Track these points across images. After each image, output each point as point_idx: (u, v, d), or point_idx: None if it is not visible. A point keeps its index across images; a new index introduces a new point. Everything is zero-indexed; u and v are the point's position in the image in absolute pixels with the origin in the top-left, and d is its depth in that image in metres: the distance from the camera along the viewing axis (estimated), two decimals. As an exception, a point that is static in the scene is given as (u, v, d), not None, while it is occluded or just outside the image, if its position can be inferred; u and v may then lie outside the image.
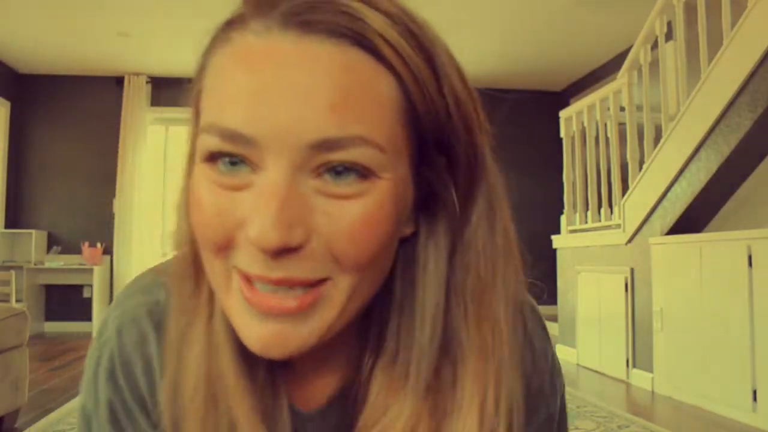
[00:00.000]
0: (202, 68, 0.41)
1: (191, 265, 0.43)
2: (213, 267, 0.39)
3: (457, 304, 0.42)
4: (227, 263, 0.38)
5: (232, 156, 0.36)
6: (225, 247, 0.37)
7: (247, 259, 0.37)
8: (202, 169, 0.38)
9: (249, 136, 0.35)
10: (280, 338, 0.37)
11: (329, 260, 0.36)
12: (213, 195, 0.37)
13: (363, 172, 0.36)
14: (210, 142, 0.37)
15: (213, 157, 0.37)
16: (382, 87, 0.36)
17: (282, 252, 0.35)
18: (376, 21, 0.36)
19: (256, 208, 0.35)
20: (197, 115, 0.40)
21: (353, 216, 0.36)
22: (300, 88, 0.34)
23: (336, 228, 0.36)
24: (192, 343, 0.43)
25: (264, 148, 0.35)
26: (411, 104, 0.38)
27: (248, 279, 0.37)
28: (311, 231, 0.36)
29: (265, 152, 0.35)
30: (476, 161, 0.44)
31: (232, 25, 0.40)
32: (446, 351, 0.41)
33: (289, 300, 0.37)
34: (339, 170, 0.36)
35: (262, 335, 0.37)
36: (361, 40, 0.35)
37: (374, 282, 0.40)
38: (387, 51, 0.36)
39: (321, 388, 0.43)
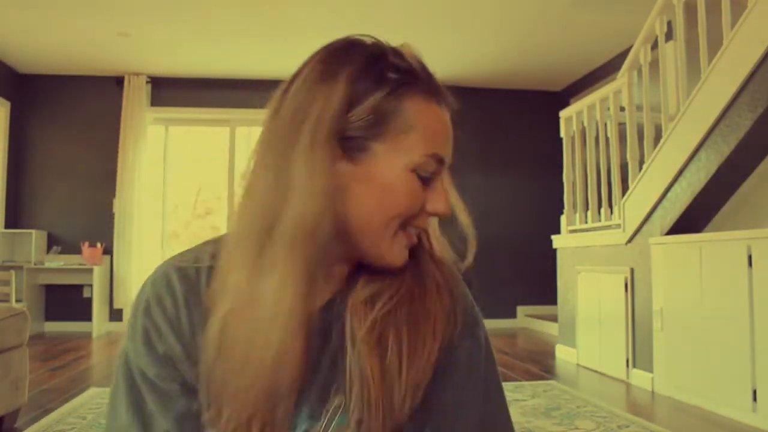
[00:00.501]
0: (396, 97, 0.62)
1: (262, 235, 0.59)
2: (388, 229, 0.62)
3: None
4: (399, 225, 0.63)
5: (434, 172, 0.64)
6: (411, 217, 0.63)
7: (421, 222, 0.65)
8: (408, 175, 0.62)
9: (444, 158, 0.65)
10: (405, 258, 0.65)
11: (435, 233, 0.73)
12: (415, 189, 0.62)
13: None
14: (430, 164, 0.63)
15: (423, 174, 0.63)
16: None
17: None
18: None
19: (438, 196, 0.64)
20: (384, 126, 0.62)
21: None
22: (449, 138, 0.67)
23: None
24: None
25: (443, 168, 0.65)
26: None
27: (409, 231, 0.64)
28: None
29: (442, 170, 0.65)
30: None
31: (424, 84, 0.65)
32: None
33: (415, 238, 0.66)
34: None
35: (401, 256, 0.64)
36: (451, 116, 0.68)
37: None
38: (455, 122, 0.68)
39: (320, 295, 0.59)
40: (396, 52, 0.64)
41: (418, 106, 0.62)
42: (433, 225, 0.71)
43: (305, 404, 0.62)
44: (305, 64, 0.64)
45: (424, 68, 0.65)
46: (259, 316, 0.57)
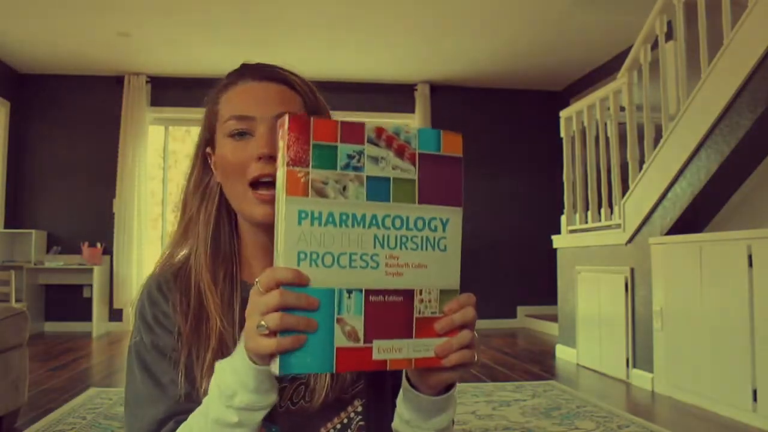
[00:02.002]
0: (215, 101, 0.83)
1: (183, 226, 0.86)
2: (238, 190, 0.77)
3: None
4: (246, 185, 0.76)
5: (241, 131, 0.78)
6: (243, 173, 0.76)
7: (252, 172, 0.76)
8: (224, 141, 0.79)
9: (250, 116, 0.77)
10: (268, 213, 0.74)
11: None
12: (233, 147, 0.78)
13: None
14: (234, 124, 0.78)
15: (232, 134, 0.78)
16: (294, 96, 0.81)
17: (268, 158, 0.74)
18: (290, 75, 0.82)
19: (256, 142, 0.76)
20: (210, 126, 0.83)
21: None
22: (266, 98, 0.79)
23: None
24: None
25: (257, 121, 0.77)
26: (305, 105, 0.81)
27: (254, 184, 0.76)
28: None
29: (257, 123, 0.77)
30: None
31: (232, 79, 0.82)
32: None
33: (272, 192, 0.74)
34: None
35: (264, 213, 0.75)
36: (285, 81, 0.81)
37: None
38: (295, 85, 0.81)
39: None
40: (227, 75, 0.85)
41: (225, 94, 0.81)
42: None
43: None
44: None
45: (239, 69, 0.84)
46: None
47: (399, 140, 0.61)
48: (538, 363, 4.18)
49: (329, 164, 0.59)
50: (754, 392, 2.61)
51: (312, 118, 0.59)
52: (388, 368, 0.60)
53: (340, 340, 0.57)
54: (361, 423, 0.79)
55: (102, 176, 5.89)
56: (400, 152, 0.61)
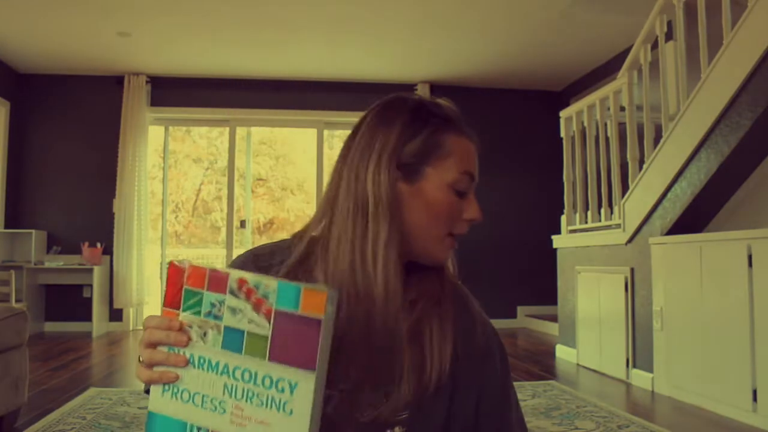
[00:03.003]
0: (441, 133, 0.83)
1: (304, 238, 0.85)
2: (437, 234, 0.82)
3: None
4: (446, 232, 0.82)
5: (465, 190, 0.83)
6: (452, 224, 0.82)
7: (459, 228, 0.83)
8: (448, 189, 0.81)
9: (474, 179, 0.85)
10: (449, 258, 0.86)
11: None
12: (453, 200, 0.82)
13: None
14: (464, 180, 0.83)
15: (458, 189, 0.82)
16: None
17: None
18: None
19: (473, 207, 0.84)
20: (425, 152, 0.81)
21: None
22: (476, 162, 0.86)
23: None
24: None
25: (473, 185, 0.85)
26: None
27: (453, 236, 0.83)
28: None
29: (473, 186, 0.85)
30: None
31: (458, 125, 0.85)
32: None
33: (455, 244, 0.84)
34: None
35: (447, 257, 0.85)
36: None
37: None
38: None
39: None
40: (434, 103, 0.85)
41: (452, 139, 0.82)
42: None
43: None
44: (367, 114, 0.86)
45: (455, 112, 0.85)
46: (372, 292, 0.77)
47: (257, 294, 0.62)
48: (538, 363, 4.18)
49: (195, 310, 0.64)
50: (754, 392, 2.61)
51: (188, 265, 0.65)
52: None
53: None
54: None
55: (102, 176, 5.89)
56: (257, 306, 0.62)
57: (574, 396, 3.19)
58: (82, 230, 5.83)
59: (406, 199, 0.80)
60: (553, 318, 5.03)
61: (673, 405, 3.05)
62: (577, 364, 4.10)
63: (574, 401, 3.07)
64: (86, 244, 5.70)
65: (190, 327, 0.64)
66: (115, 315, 5.86)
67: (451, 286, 0.87)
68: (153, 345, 0.66)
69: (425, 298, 0.84)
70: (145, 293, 5.91)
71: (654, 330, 3.34)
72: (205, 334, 0.64)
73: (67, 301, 5.81)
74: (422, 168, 0.80)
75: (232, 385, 0.62)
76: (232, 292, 0.63)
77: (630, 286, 3.59)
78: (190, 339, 0.64)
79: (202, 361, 0.63)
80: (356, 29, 5.00)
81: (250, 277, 0.63)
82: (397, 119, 0.82)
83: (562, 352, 4.39)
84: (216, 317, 0.63)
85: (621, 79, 3.74)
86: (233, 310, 0.63)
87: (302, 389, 0.61)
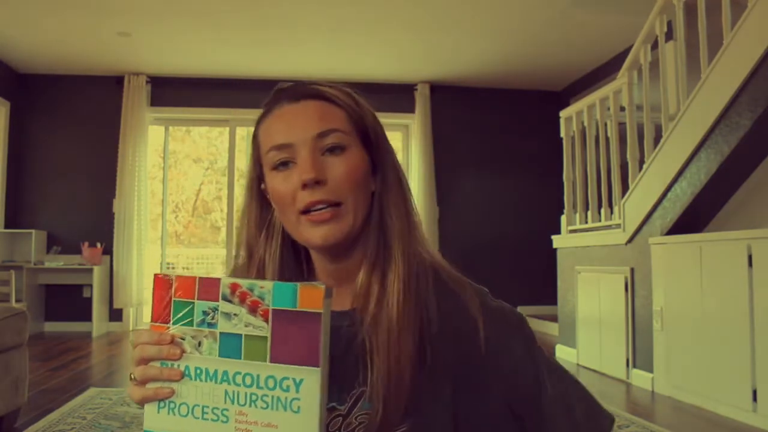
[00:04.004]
0: (255, 134, 0.80)
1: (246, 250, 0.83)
2: (292, 219, 0.76)
3: (392, 224, 0.78)
4: (297, 213, 0.74)
5: (283, 161, 0.75)
6: (294, 202, 0.74)
7: (300, 202, 0.74)
8: (271, 174, 0.77)
9: (289, 143, 0.75)
10: (326, 234, 0.74)
11: (338, 192, 0.74)
12: (280, 179, 0.75)
13: (340, 146, 0.75)
14: (275, 155, 0.75)
15: (276, 166, 0.76)
16: (335, 110, 0.77)
17: (315, 184, 0.72)
18: (326, 89, 0.78)
19: (298, 169, 0.74)
20: (258, 160, 0.79)
21: (343, 166, 0.74)
22: (304, 119, 0.76)
23: (338, 173, 0.74)
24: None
25: (296, 146, 0.74)
26: (349, 116, 0.78)
27: (304, 211, 0.74)
28: (325, 175, 0.73)
29: (297, 148, 0.74)
30: (384, 145, 0.81)
31: (268, 106, 0.79)
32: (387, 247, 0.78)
33: (325, 214, 0.73)
34: (331, 148, 0.75)
35: (321, 234, 0.74)
36: (321, 96, 0.77)
37: (363, 205, 0.77)
38: (333, 98, 0.78)
39: (343, 299, 0.75)
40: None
41: (262, 124, 0.80)
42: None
43: (333, 391, 0.71)
44: None
45: (276, 92, 0.81)
46: None
47: (252, 296, 0.61)
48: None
49: (187, 320, 0.63)
50: (754, 392, 2.61)
51: (175, 277, 0.63)
52: None
53: None
54: None
55: (102, 176, 5.89)
56: (253, 309, 0.61)
57: (574, 396, 3.18)
58: (82, 230, 5.83)
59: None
60: (553, 318, 5.03)
61: (673, 405, 3.05)
62: (577, 364, 4.10)
63: (574, 401, 3.07)
64: (86, 244, 5.70)
65: (183, 339, 0.63)
66: (115, 315, 5.86)
67: (407, 268, 0.76)
68: (145, 361, 0.63)
69: (359, 294, 0.77)
70: (144, 293, 5.91)
71: (654, 330, 3.34)
72: (199, 344, 0.62)
73: (67, 301, 5.80)
74: (262, 172, 0.80)
75: (233, 392, 0.61)
76: (225, 298, 0.62)
77: (630, 286, 3.59)
78: (183, 351, 0.62)
79: (198, 371, 0.62)
80: (356, 29, 5.00)
81: (242, 281, 0.62)
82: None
83: (562, 352, 4.39)
84: (210, 325, 0.62)
85: (621, 79, 3.74)
86: (228, 316, 0.61)
87: (308, 385, 0.60)
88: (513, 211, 6.40)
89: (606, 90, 3.91)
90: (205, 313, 0.62)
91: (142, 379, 0.63)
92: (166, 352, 0.62)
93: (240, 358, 0.61)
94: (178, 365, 0.63)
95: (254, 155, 0.81)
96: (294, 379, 0.60)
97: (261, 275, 0.80)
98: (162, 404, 0.63)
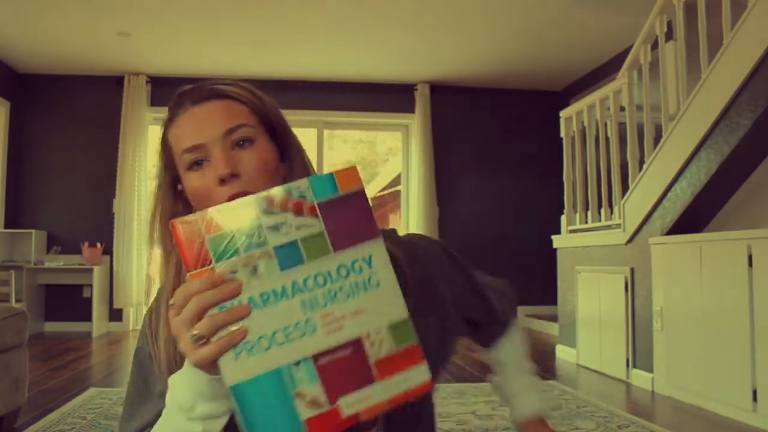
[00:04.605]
0: (165, 139, 0.83)
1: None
2: None
3: None
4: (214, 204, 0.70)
5: (197, 161, 0.78)
6: (211, 198, 0.76)
7: (218, 197, 0.76)
8: (186, 175, 0.80)
9: (200, 144, 0.78)
10: None
11: (253, 182, 0.77)
12: (196, 178, 0.78)
13: (249, 139, 0.79)
14: (187, 157, 0.78)
15: (190, 167, 0.79)
16: (238, 107, 0.80)
17: (230, 177, 0.75)
18: (227, 87, 0.81)
19: (213, 166, 0.77)
20: (171, 164, 0.82)
21: (254, 158, 0.78)
22: (210, 118, 0.79)
23: (250, 165, 0.77)
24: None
25: (208, 146, 0.78)
26: (253, 111, 0.81)
27: None
28: (239, 168, 0.77)
29: (209, 148, 0.78)
30: (287, 132, 0.85)
31: (173, 111, 0.83)
32: None
33: None
34: (240, 143, 0.78)
35: None
36: (224, 95, 0.80)
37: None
38: (235, 95, 0.81)
39: None
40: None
41: (171, 129, 0.82)
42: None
43: None
44: None
45: (178, 95, 0.85)
46: None
47: (293, 198, 0.60)
48: (538, 363, 4.17)
49: (231, 252, 0.58)
50: (754, 392, 2.61)
51: (199, 215, 0.58)
52: (361, 419, 0.59)
53: (306, 412, 0.57)
54: None
55: (102, 176, 5.89)
56: (298, 210, 0.60)
57: (574, 396, 3.19)
58: (82, 230, 5.83)
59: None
60: (553, 318, 5.03)
61: (673, 405, 3.05)
62: (577, 364, 4.10)
63: (574, 401, 3.07)
64: (86, 244, 5.70)
65: (234, 272, 0.57)
66: (115, 315, 5.86)
67: None
68: (203, 312, 0.57)
69: None
70: (145, 293, 5.91)
71: (654, 330, 3.34)
72: (255, 268, 0.58)
73: (67, 301, 5.81)
74: (177, 173, 0.82)
75: (310, 298, 0.59)
76: (265, 212, 0.59)
77: (630, 286, 3.59)
78: (240, 283, 0.57)
79: (265, 297, 0.58)
80: (356, 29, 5.00)
81: (275, 190, 0.60)
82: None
83: (562, 352, 4.39)
84: (259, 245, 0.58)
85: (621, 79, 3.74)
86: (275, 228, 0.59)
87: (377, 257, 0.61)
88: (513, 211, 6.40)
89: (606, 90, 3.91)
90: (248, 235, 0.58)
91: (211, 331, 0.56)
92: (227, 290, 0.56)
93: (304, 263, 0.59)
94: (240, 300, 0.57)
95: (165, 159, 0.83)
96: (363, 258, 0.60)
97: (179, 273, 0.79)
98: (238, 350, 0.57)
